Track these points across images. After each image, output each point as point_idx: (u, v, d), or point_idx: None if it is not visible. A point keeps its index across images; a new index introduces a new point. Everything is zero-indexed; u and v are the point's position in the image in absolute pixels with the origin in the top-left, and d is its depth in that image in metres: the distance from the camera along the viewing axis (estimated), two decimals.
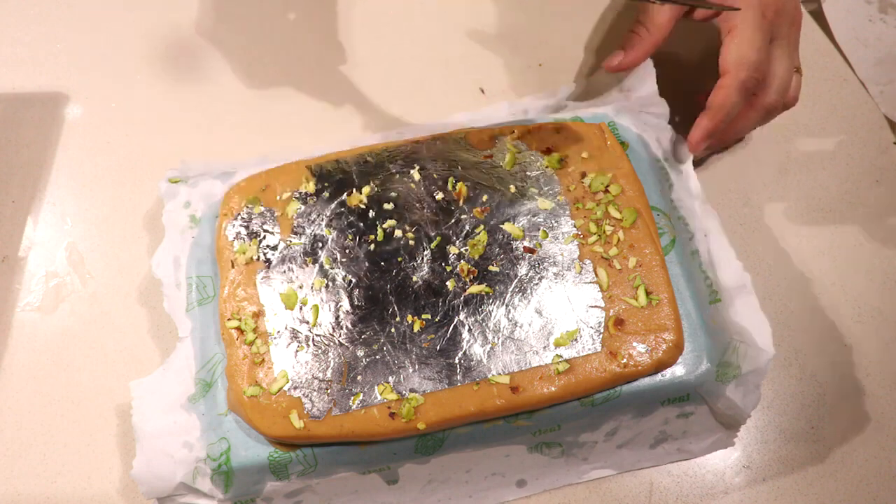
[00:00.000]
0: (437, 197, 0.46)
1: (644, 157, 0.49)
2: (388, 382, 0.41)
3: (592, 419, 0.43)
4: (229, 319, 0.43)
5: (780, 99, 0.49)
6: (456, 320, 0.43)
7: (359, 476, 0.43)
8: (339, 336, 0.42)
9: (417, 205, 0.46)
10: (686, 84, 0.59)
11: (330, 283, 0.44)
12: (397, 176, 0.47)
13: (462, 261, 0.44)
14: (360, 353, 0.42)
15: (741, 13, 0.47)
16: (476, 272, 0.44)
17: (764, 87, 0.49)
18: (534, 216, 0.45)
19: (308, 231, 0.45)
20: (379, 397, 0.41)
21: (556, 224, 0.45)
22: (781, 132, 0.57)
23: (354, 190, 0.46)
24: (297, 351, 0.42)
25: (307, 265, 0.44)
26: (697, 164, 0.54)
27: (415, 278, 0.44)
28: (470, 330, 0.42)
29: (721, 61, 0.48)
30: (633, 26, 0.51)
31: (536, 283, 0.43)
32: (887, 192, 0.55)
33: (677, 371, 0.43)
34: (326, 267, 0.44)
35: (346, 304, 0.43)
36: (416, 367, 0.42)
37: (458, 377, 0.41)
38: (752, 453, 0.47)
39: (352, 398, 0.41)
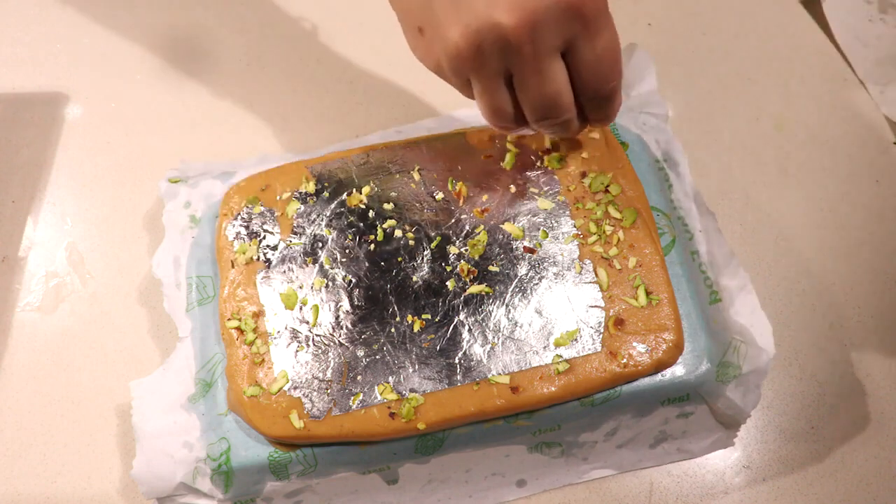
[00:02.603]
0: (437, 197, 0.46)
1: (644, 158, 0.49)
2: (388, 382, 0.41)
3: (592, 419, 0.43)
4: (229, 319, 0.43)
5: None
6: (456, 320, 0.43)
7: (359, 476, 0.43)
8: (339, 336, 0.42)
9: (417, 205, 0.46)
10: (686, 84, 0.59)
11: (330, 283, 0.44)
12: (397, 176, 0.47)
13: (462, 261, 0.44)
14: (360, 353, 0.42)
15: None
16: (476, 272, 0.44)
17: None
18: (534, 216, 0.45)
19: (308, 231, 0.45)
20: (379, 397, 0.41)
21: (556, 224, 0.45)
22: (782, 132, 0.57)
23: (354, 190, 0.46)
24: (297, 351, 0.42)
25: (307, 265, 0.44)
26: (697, 164, 0.54)
27: (415, 278, 0.44)
28: (470, 330, 0.42)
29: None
30: None
31: (536, 283, 0.43)
32: (887, 192, 0.55)
33: (677, 371, 0.43)
34: (326, 267, 0.44)
35: (346, 304, 0.43)
36: (416, 367, 0.42)
37: (458, 377, 0.41)
38: (752, 453, 0.47)
39: (352, 398, 0.41)
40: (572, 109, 0.38)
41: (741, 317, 0.43)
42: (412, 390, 0.41)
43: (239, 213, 0.46)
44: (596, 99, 0.38)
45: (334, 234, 0.45)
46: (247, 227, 0.46)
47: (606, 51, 0.35)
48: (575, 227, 0.45)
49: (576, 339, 0.42)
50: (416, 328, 0.42)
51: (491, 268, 0.44)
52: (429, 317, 0.43)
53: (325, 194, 0.46)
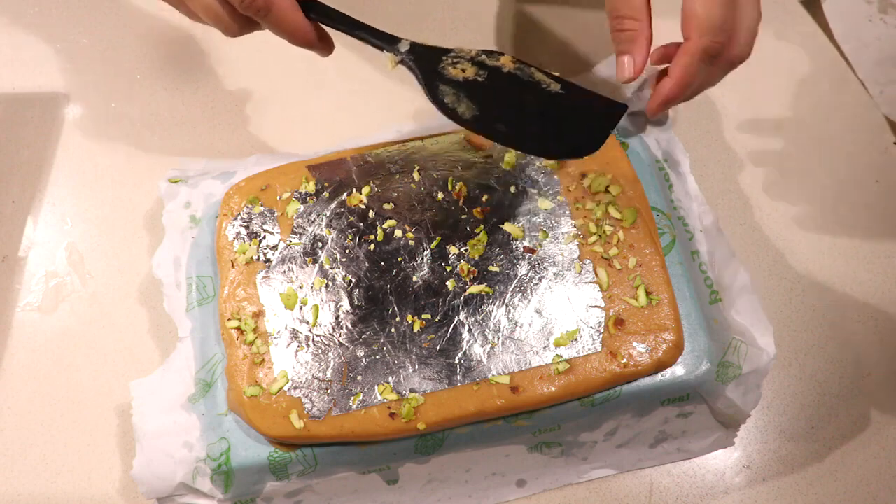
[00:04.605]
0: (437, 197, 0.46)
1: (644, 158, 0.49)
2: (388, 382, 0.41)
3: (592, 419, 0.43)
4: (229, 319, 0.43)
5: (747, 52, 0.44)
6: (456, 320, 0.43)
7: (359, 476, 0.43)
8: (339, 336, 0.42)
9: (417, 205, 0.46)
10: None
11: (330, 283, 0.44)
12: (397, 176, 0.47)
13: (462, 261, 0.44)
14: (360, 353, 0.42)
15: None
16: (476, 272, 0.44)
17: (730, 45, 0.43)
18: (534, 216, 0.45)
19: (308, 231, 0.45)
20: (379, 397, 0.41)
21: (555, 224, 0.45)
22: (782, 132, 0.57)
23: (354, 190, 0.46)
24: (297, 351, 0.42)
25: (307, 265, 0.44)
26: (697, 164, 0.54)
27: (415, 278, 0.44)
28: (470, 330, 0.42)
29: (684, 21, 0.43)
30: (617, 22, 0.45)
31: (536, 283, 0.43)
32: (887, 192, 0.55)
33: (677, 371, 0.43)
34: (326, 267, 0.44)
35: (346, 304, 0.43)
36: (416, 367, 0.42)
37: (458, 377, 0.41)
38: (752, 453, 0.47)
39: (352, 398, 0.41)
40: None
41: (741, 317, 0.43)
42: (412, 390, 0.41)
43: (239, 213, 0.46)
44: None
45: (334, 234, 0.45)
46: (247, 227, 0.46)
47: None
48: (575, 227, 0.45)
49: (576, 339, 0.42)
50: (416, 328, 0.42)
51: (491, 268, 0.44)
52: (429, 317, 0.43)
53: (325, 194, 0.46)
